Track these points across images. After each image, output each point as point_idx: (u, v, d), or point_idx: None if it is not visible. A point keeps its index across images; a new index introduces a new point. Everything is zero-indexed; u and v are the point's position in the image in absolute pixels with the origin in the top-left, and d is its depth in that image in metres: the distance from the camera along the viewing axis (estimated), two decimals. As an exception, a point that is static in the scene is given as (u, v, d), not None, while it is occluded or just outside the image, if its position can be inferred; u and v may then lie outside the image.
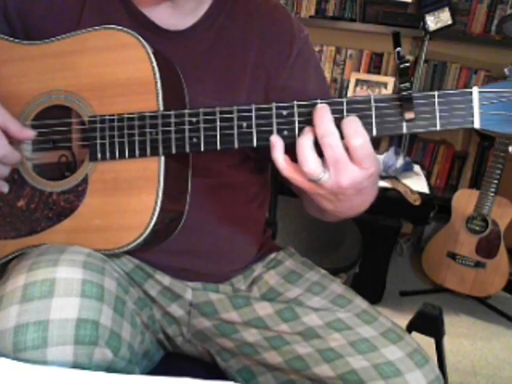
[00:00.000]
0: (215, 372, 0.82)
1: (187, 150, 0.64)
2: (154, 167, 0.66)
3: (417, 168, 2.23)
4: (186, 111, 0.64)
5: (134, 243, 0.66)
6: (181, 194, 0.72)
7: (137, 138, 0.66)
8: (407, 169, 2.13)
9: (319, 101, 0.60)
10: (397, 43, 0.58)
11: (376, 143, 2.58)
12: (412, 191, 1.94)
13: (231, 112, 0.62)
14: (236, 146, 0.63)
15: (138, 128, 0.66)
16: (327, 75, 2.60)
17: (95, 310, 0.59)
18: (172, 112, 0.65)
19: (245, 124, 0.62)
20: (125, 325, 0.64)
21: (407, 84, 0.56)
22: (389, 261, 2.07)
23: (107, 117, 0.67)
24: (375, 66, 2.55)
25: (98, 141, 0.67)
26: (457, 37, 2.39)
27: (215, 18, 0.78)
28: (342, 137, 0.57)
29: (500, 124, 0.56)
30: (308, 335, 0.75)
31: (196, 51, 0.77)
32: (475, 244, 2.03)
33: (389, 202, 1.96)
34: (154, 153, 0.65)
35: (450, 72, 2.50)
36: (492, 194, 1.98)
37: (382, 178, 2.04)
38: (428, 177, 2.25)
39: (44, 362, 0.55)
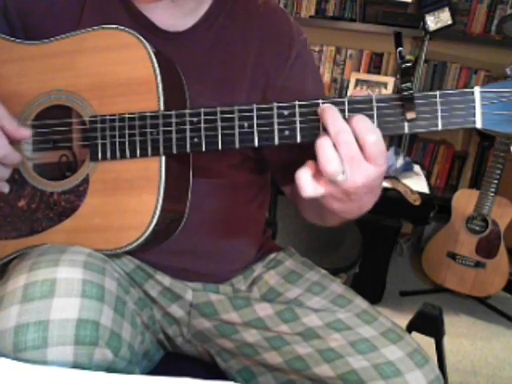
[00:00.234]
0: (215, 372, 0.82)
1: (188, 150, 0.64)
2: (155, 167, 0.66)
3: (417, 168, 2.23)
4: (187, 111, 0.64)
5: (135, 243, 0.66)
6: (181, 194, 0.72)
7: (138, 137, 0.66)
8: (407, 169, 2.13)
9: (321, 101, 0.59)
10: (398, 43, 0.57)
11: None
12: (412, 191, 1.94)
13: (232, 112, 0.62)
14: (237, 145, 0.63)
15: (138, 128, 0.66)
16: (327, 75, 2.60)
17: (95, 311, 0.59)
18: (173, 112, 0.64)
19: (246, 124, 0.62)
20: (125, 325, 0.64)
21: (408, 84, 0.56)
22: (389, 261, 2.07)
23: (108, 117, 0.67)
24: (375, 65, 2.55)
25: (99, 141, 0.67)
26: (457, 37, 2.39)
27: (215, 19, 0.78)
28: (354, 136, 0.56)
29: (502, 124, 0.56)
30: (308, 335, 0.75)
31: (196, 52, 0.77)
32: (475, 244, 2.03)
33: (389, 202, 1.96)
34: (155, 153, 0.65)
35: (450, 72, 2.50)
36: (492, 194, 1.98)
37: (382, 177, 2.04)
38: (428, 177, 2.25)
39: (44, 362, 0.55)
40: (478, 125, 0.57)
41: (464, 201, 2.07)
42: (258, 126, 0.62)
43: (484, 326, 2.06)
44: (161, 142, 0.65)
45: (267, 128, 0.61)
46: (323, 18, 2.50)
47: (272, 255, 0.91)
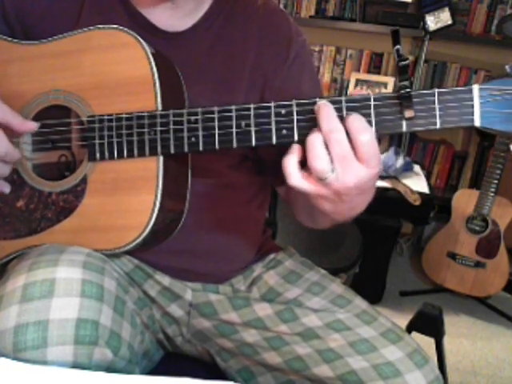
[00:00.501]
0: (215, 372, 0.82)
1: (186, 149, 0.64)
2: (153, 167, 0.66)
3: (417, 168, 2.23)
4: (185, 111, 0.64)
5: (134, 243, 0.66)
6: (180, 193, 0.72)
7: (135, 137, 0.66)
8: (407, 169, 2.13)
9: (318, 99, 0.59)
10: (396, 41, 0.57)
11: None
12: (412, 191, 1.94)
13: (230, 111, 0.62)
14: (235, 145, 0.63)
15: (136, 128, 0.66)
16: (327, 75, 2.60)
17: (95, 310, 0.59)
18: (170, 112, 0.64)
19: (243, 123, 0.62)
20: (125, 325, 0.64)
21: (406, 82, 0.56)
22: (389, 261, 2.07)
23: (106, 117, 0.67)
24: (375, 65, 2.55)
25: (97, 141, 0.67)
26: (457, 37, 2.39)
27: (214, 20, 0.78)
28: (347, 135, 0.56)
29: (500, 122, 0.56)
30: (307, 336, 0.75)
31: (195, 52, 0.77)
32: (475, 244, 2.03)
33: (389, 202, 1.96)
34: (153, 153, 0.65)
35: (450, 72, 2.50)
36: (492, 194, 1.98)
37: (382, 177, 2.04)
38: (428, 177, 2.25)
39: (44, 362, 0.55)
40: (477, 123, 0.57)
41: (464, 201, 2.07)
42: (255, 125, 0.62)
43: (484, 326, 2.06)
44: (158, 141, 0.65)
45: (264, 127, 0.61)
46: (323, 18, 2.50)
47: (272, 255, 0.91)
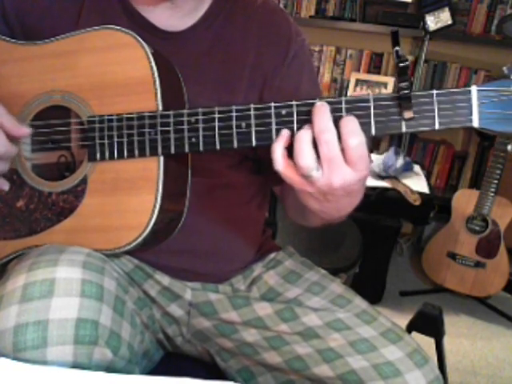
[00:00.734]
0: (215, 372, 0.82)
1: (186, 149, 0.64)
2: (154, 167, 0.66)
3: (417, 168, 2.23)
4: (185, 111, 0.64)
5: (134, 243, 0.66)
6: (180, 194, 0.72)
7: (136, 138, 0.66)
8: (407, 169, 2.13)
9: (318, 100, 0.60)
10: (395, 42, 0.57)
11: (376, 143, 2.59)
12: (412, 191, 1.94)
13: (230, 112, 0.62)
14: (235, 145, 0.63)
15: (136, 128, 0.66)
16: (327, 75, 2.60)
17: (95, 310, 0.59)
18: (171, 112, 0.64)
19: (243, 124, 0.62)
20: (124, 325, 0.64)
21: (406, 83, 0.56)
22: (389, 261, 2.07)
23: (106, 117, 0.67)
24: (375, 65, 2.55)
25: (97, 141, 0.67)
26: (457, 37, 2.39)
27: (214, 19, 0.78)
28: (339, 137, 0.57)
29: (499, 123, 0.56)
30: (307, 335, 0.75)
31: (194, 52, 0.77)
32: (475, 244, 2.03)
33: (389, 202, 1.96)
34: (153, 153, 0.65)
35: (449, 72, 2.50)
36: (492, 194, 1.98)
37: (382, 177, 2.04)
38: (428, 177, 2.25)
39: (44, 362, 0.55)
40: (475, 124, 0.57)
41: (464, 201, 2.07)
42: (255, 125, 0.62)
43: (484, 326, 2.06)
44: (159, 142, 0.65)
45: (265, 128, 0.61)
46: (323, 18, 2.50)
47: (271, 255, 0.91)
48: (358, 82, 2.50)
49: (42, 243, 0.69)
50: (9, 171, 0.72)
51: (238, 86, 0.77)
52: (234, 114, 0.62)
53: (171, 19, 0.77)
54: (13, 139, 0.69)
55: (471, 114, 0.57)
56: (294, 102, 0.60)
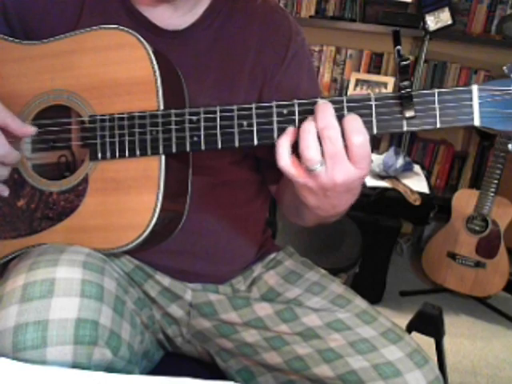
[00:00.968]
0: (215, 372, 0.82)
1: (188, 149, 0.64)
2: (155, 166, 0.66)
3: (417, 168, 2.23)
4: (187, 110, 0.64)
5: (134, 243, 0.66)
6: (181, 193, 0.72)
7: (137, 137, 0.66)
8: (407, 169, 2.12)
9: (320, 99, 0.60)
10: (397, 41, 0.58)
11: (376, 143, 2.58)
12: (412, 191, 1.94)
13: (232, 111, 0.62)
14: (237, 144, 0.63)
15: (138, 127, 0.66)
16: (327, 75, 2.60)
17: (95, 310, 0.59)
18: (172, 111, 0.64)
19: (245, 123, 0.62)
20: (124, 325, 0.64)
21: (407, 82, 0.56)
22: (389, 261, 2.07)
23: (107, 116, 0.67)
24: (375, 66, 2.55)
25: (98, 140, 0.67)
26: (457, 37, 2.39)
27: (214, 18, 0.78)
28: (343, 135, 0.57)
29: (500, 121, 0.57)
30: (308, 335, 0.75)
31: (195, 51, 0.77)
32: (475, 244, 2.03)
33: (389, 202, 1.96)
34: (155, 152, 0.65)
35: (449, 72, 2.49)
36: (492, 194, 1.98)
37: (382, 177, 2.04)
38: (428, 177, 2.25)
39: (43, 362, 0.55)
40: (476, 122, 0.57)
41: (464, 201, 2.07)
42: (257, 124, 0.62)
43: (484, 326, 2.06)
44: (160, 141, 0.65)
45: (266, 127, 0.61)
46: (323, 18, 2.49)
47: (272, 255, 0.91)
48: (357, 81, 2.50)
49: (42, 243, 0.69)
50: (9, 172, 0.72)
51: (238, 84, 0.77)
52: (236, 113, 0.62)
53: (171, 18, 0.77)
54: (14, 143, 0.69)
55: (472, 113, 0.57)
56: (295, 101, 0.61)
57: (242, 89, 0.77)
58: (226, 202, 0.83)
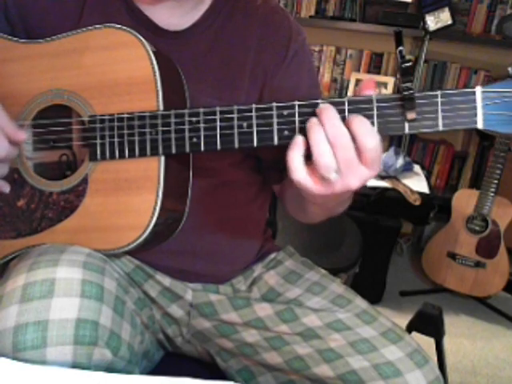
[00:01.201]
0: (215, 372, 0.82)
1: (187, 149, 0.64)
2: (155, 167, 0.66)
3: (417, 168, 2.23)
4: (186, 111, 0.64)
5: (135, 243, 0.66)
6: (181, 194, 0.71)
7: (137, 137, 0.66)
8: (407, 169, 2.13)
9: (320, 100, 0.59)
10: (399, 42, 0.57)
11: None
12: (412, 191, 1.94)
13: (231, 112, 0.62)
14: (236, 146, 0.63)
15: (137, 128, 0.66)
16: (327, 75, 2.60)
17: (95, 311, 0.59)
18: (172, 112, 0.64)
19: (245, 124, 0.62)
20: (124, 325, 0.64)
21: (409, 84, 0.56)
22: (389, 261, 2.07)
23: (107, 116, 0.67)
24: (375, 66, 2.55)
25: (98, 141, 0.67)
26: (457, 37, 2.39)
27: (215, 18, 0.78)
28: (352, 138, 0.56)
29: (503, 124, 0.56)
30: (308, 336, 0.75)
31: (196, 50, 0.77)
32: (475, 244, 2.03)
33: (389, 202, 1.96)
34: (154, 153, 0.65)
35: (449, 72, 2.50)
36: (492, 194, 1.98)
37: (382, 177, 2.04)
38: (428, 177, 2.25)
39: (43, 362, 0.55)
40: (480, 125, 0.56)
41: (464, 201, 2.07)
42: (257, 126, 0.61)
43: (484, 326, 2.06)
44: (160, 141, 0.65)
45: (266, 128, 0.61)
46: (323, 18, 2.50)
47: (272, 255, 0.91)
48: (357, 81, 2.50)
49: (42, 243, 0.69)
50: (10, 170, 0.72)
51: (238, 84, 0.77)
52: (236, 114, 0.62)
53: (172, 18, 0.77)
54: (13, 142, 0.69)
55: (475, 116, 0.56)
56: (296, 103, 0.60)
57: (242, 89, 0.77)
58: (226, 202, 0.83)
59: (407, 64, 0.56)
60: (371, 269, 1.97)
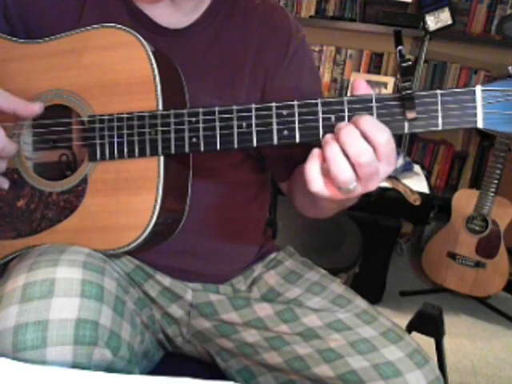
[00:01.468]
0: (215, 372, 0.82)
1: (187, 150, 0.64)
2: (154, 167, 0.66)
3: (417, 168, 2.23)
4: (186, 111, 0.64)
5: (134, 243, 0.66)
6: (181, 194, 0.72)
7: (136, 137, 0.66)
8: (407, 169, 2.12)
9: (319, 100, 0.59)
10: (398, 42, 0.57)
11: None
12: (412, 191, 1.94)
13: (231, 112, 0.62)
14: (236, 146, 0.63)
15: (137, 128, 0.66)
16: (327, 75, 2.60)
17: (95, 311, 0.59)
18: (171, 112, 0.64)
19: (244, 124, 0.62)
20: (124, 325, 0.64)
21: (409, 83, 0.56)
22: (389, 261, 2.07)
23: (106, 117, 0.67)
24: (375, 66, 2.55)
25: (97, 141, 0.67)
26: (457, 37, 2.39)
27: (215, 17, 0.78)
28: (364, 137, 0.55)
29: (503, 124, 0.56)
30: (308, 336, 0.75)
31: (196, 49, 0.77)
32: (475, 244, 2.03)
33: (389, 202, 1.96)
34: (154, 153, 0.65)
35: (449, 72, 2.49)
36: (492, 194, 1.98)
37: (382, 178, 2.03)
38: (428, 177, 2.25)
39: (43, 362, 0.55)
40: (479, 124, 0.56)
41: (464, 201, 2.07)
42: (256, 126, 0.61)
43: (484, 326, 2.06)
44: (159, 142, 0.65)
45: (266, 128, 0.61)
46: (323, 18, 2.49)
47: (272, 255, 0.91)
48: (358, 81, 2.50)
49: (42, 243, 0.69)
50: (9, 171, 0.72)
51: (239, 83, 0.77)
52: (235, 114, 0.62)
53: (172, 17, 0.77)
54: (13, 137, 0.69)
55: (476, 115, 0.56)
56: (295, 103, 0.60)
57: (243, 87, 0.77)
58: (226, 202, 0.83)
59: (407, 63, 0.56)
60: (371, 269, 1.97)
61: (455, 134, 2.60)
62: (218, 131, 0.63)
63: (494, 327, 2.06)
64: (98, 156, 0.67)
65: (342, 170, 0.55)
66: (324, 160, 0.56)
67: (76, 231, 0.69)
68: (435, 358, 1.22)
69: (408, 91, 0.56)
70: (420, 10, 2.20)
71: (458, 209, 2.07)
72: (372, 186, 0.56)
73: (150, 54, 0.66)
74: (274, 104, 0.61)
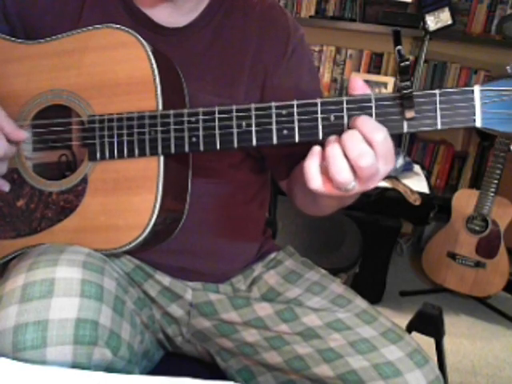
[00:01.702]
0: (215, 372, 0.82)
1: (186, 149, 0.64)
2: (154, 167, 0.66)
3: (417, 168, 2.23)
4: (185, 111, 0.64)
5: (134, 243, 0.66)
6: (181, 193, 0.72)
7: (136, 137, 0.66)
8: (407, 169, 2.12)
9: (319, 100, 0.59)
10: (397, 41, 0.57)
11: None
12: (412, 191, 1.94)
13: (230, 112, 0.62)
14: (235, 145, 0.63)
15: (137, 128, 0.66)
16: (327, 75, 2.60)
17: (94, 310, 0.59)
18: (171, 112, 0.64)
19: (244, 124, 0.62)
20: (124, 325, 0.64)
21: (408, 83, 0.56)
22: (389, 261, 2.07)
23: (106, 116, 0.67)
24: (375, 66, 2.55)
25: (97, 140, 0.67)
26: (457, 37, 2.39)
27: (213, 16, 0.78)
28: (363, 137, 0.55)
29: (502, 123, 0.56)
30: (308, 335, 0.75)
31: (195, 48, 0.77)
32: (475, 244, 2.03)
33: (389, 202, 1.96)
34: (154, 152, 0.65)
35: (449, 72, 2.50)
36: (492, 194, 1.98)
37: (382, 178, 2.03)
38: (428, 177, 2.25)
39: (43, 362, 0.55)
40: (478, 124, 0.56)
41: (464, 201, 2.07)
42: (256, 125, 0.61)
43: (484, 326, 2.06)
44: (159, 141, 0.65)
45: (265, 128, 0.61)
46: (323, 18, 2.50)
47: (272, 255, 0.91)
48: (358, 81, 2.50)
49: (42, 243, 0.69)
50: (9, 171, 0.72)
51: (238, 81, 0.77)
52: (235, 113, 0.62)
53: (172, 16, 0.77)
54: (13, 141, 0.69)
55: (474, 114, 0.56)
56: (294, 102, 0.60)
57: (242, 86, 0.77)
58: (226, 202, 0.83)
59: (406, 63, 0.56)
60: (371, 269, 1.97)
61: (455, 134, 2.60)
62: (217, 131, 0.63)
63: (493, 327, 2.06)
64: (98, 156, 0.68)
65: (341, 170, 0.55)
66: (324, 158, 0.56)
67: (76, 231, 0.69)
68: (435, 358, 1.22)
69: (407, 91, 0.56)
70: (420, 10, 2.20)
71: (458, 209, 2.07)
72: (371, 185, 0.57)
73: (150, 54, 0.66)
74: (273, 104, 0.61)
